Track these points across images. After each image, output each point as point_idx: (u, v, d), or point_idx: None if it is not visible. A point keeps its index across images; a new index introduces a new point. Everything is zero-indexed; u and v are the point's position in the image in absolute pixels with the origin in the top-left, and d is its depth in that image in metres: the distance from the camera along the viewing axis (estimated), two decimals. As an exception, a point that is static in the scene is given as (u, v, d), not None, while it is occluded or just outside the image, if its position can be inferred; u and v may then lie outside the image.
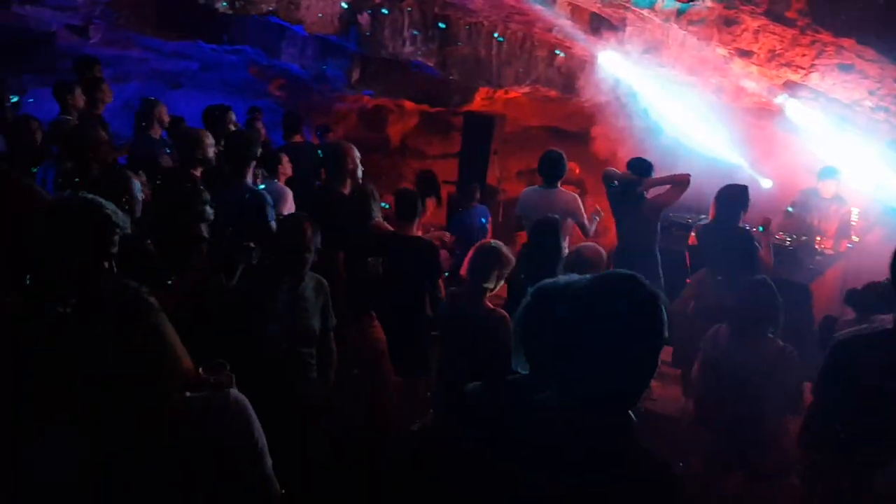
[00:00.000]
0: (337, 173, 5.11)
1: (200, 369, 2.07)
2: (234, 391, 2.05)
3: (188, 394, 1.94)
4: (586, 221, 5.88)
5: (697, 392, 4.14)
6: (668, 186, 5.80)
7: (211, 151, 4.65)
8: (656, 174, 5.88)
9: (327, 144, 4.58)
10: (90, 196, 2.31)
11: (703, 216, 6.98)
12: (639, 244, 5.78)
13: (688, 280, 5.58)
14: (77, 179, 4.53)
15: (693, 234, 5.67)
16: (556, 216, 4.73)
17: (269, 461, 2.09)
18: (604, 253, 4.55)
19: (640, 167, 5.86)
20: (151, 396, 1.86)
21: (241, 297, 3.44)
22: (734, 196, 5.29)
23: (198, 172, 4.56)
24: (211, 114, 5.87)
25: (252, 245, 4.06)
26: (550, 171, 5.84)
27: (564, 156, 5.86)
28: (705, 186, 5.68)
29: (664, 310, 1.58)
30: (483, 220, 7.09)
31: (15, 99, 7.60)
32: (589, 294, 1.59)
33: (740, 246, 5.10)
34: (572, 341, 1.56)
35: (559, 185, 5.89)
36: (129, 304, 1.88)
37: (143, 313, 1.88)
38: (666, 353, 5.98)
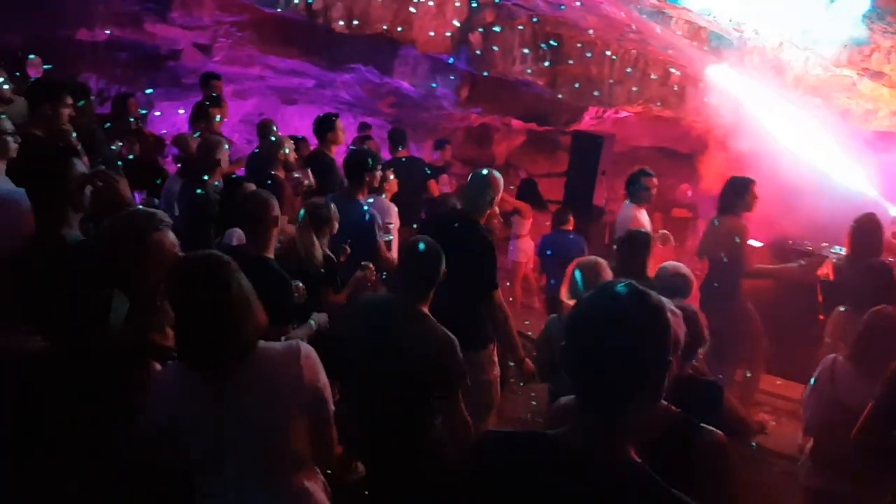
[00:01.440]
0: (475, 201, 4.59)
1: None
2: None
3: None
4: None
5: (811, 428, 3.98)
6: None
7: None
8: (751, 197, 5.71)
9: (474, 172, 4.54)
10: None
11: (827, 245, 6.72)
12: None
13: (821, 316, 5.37)
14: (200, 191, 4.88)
15: (829, 267, 5.46)
16: (647, 231, 4.74)
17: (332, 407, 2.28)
18: (688, 272, 4.42)
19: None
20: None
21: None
22: (872, 228, 5.06)
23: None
24: (322, 121, 6.26)
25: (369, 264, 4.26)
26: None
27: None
28: (826, 211, 5.48)
29: (665, 316, 1.55)
30: (581, 245, 7.08)
31: (143, 112, 8.20)
32: (588, 303, 1.61)
33: (884, 282, 4.79)
34: (578, 351, 1.57)
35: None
36: None
37: None
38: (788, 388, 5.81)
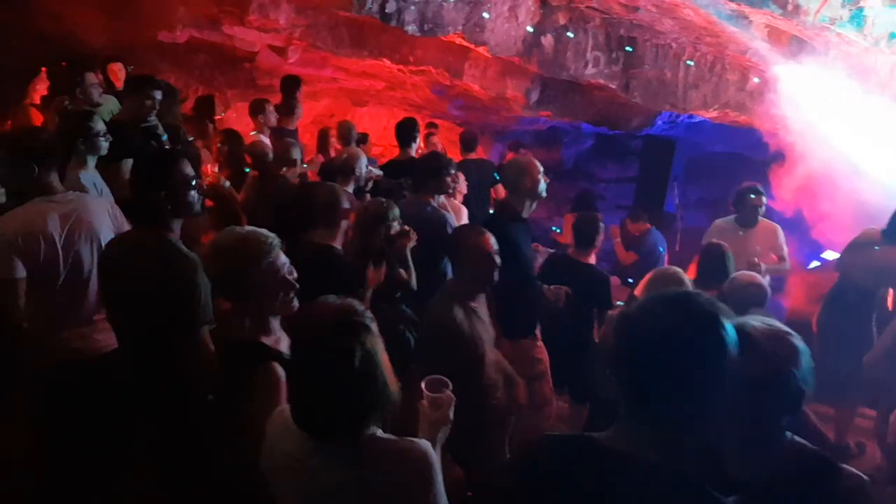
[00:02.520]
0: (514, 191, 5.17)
1: (423, 384, 2.19)
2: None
3: None
4: (785, 254, 5.77)
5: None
6: None
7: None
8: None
9: (507, 162, 4.75)
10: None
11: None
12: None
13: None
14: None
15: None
16: (722, 243, 4.69)
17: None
18: (763, 282, 4.34)
19: None
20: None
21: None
22: None
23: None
24: (403, 125, 6.37)
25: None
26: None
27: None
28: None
29: (728, 327, 1.56)
30: (661, 248, 7.02)
31: (221, 114, 8.50)
32: (639, 307, 1.63)
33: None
34: (635, 363, 1.59)
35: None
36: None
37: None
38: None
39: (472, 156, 7.71)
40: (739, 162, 10.64)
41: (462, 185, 6.48)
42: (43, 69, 6.37)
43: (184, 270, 2.79)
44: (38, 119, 5.95)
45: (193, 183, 2.95)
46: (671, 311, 1.58)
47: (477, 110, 10.58)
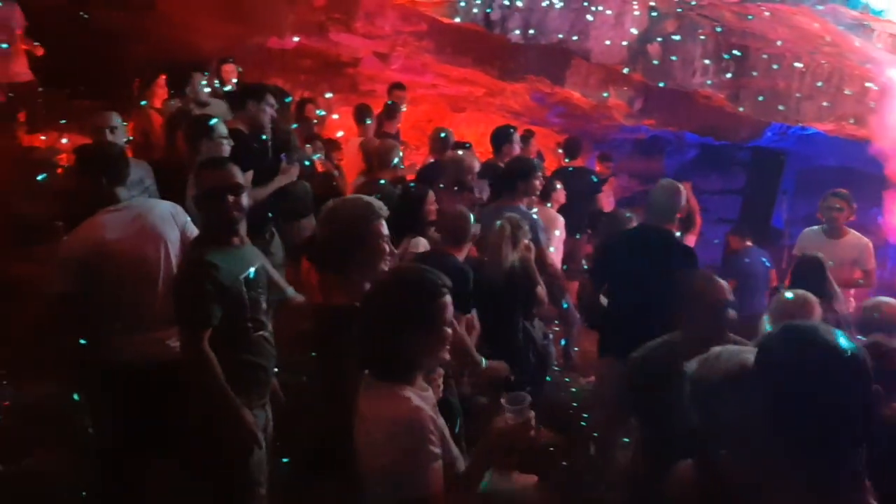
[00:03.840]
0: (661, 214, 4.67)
1: (503, 399, 2.16)
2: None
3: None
4: (871, 269, 5.53)
5: None
6: None
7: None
8: None
9: (660, 184, 4.61)
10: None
11: None
12: None
13: None
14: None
15: None
16: (820, 255, 4.50)
17: None
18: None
19: None
20: None
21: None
22: None
23: None
24: (498, 131, 6.40)
25: None
26: None
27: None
28: None
29: (862, 362, 1.50)
30: (766, 263, 6.81)
31: (322, 113, 8.76)
32: (769, 345, 1.58)
33: None
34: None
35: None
36: None
37: None
38: None
39: (574, 163, 7.65)
40: (853, 177, 10.17)
41: (560, 194, 6.44)
42: (162, 73, 6.74)
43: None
44: (157, 121, 6.30)
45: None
46: (803, 346, 1.53)
47: (577, 118, 10.53)
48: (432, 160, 6.54)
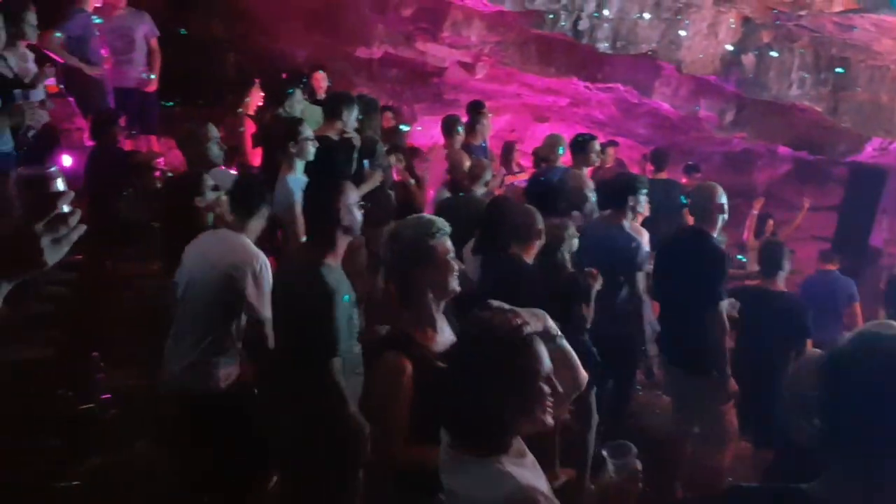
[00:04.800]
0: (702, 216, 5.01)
1: (605, 451, 2.08)
2: None
3: None
4: None
5: None
6: None
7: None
8: None
9: (695, 186, 4.68)
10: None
11: None
12: None
13: None
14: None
15: None
16: None
17: None
18: None
19: None
20: None
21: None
22: None
23: None
24: (578, 140, 6.38)
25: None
26: None
27: None
28: None
29: None
30: (849, 288, 6.53)
31: (406, 128, 8.92)
32: (856, 351, 1.52)
33: None
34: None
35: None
36: None
37: None
38: None
39: (663, 175, 7.54)
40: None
41: (643, 207, 6.36)
42: (256, 80, 6.99)
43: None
44: (250, 127, 6.53)
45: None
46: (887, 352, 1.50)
47: (664, 129, 10.39)
48: (541, 172, 6.56)
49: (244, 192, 3.59)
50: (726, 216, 4.48)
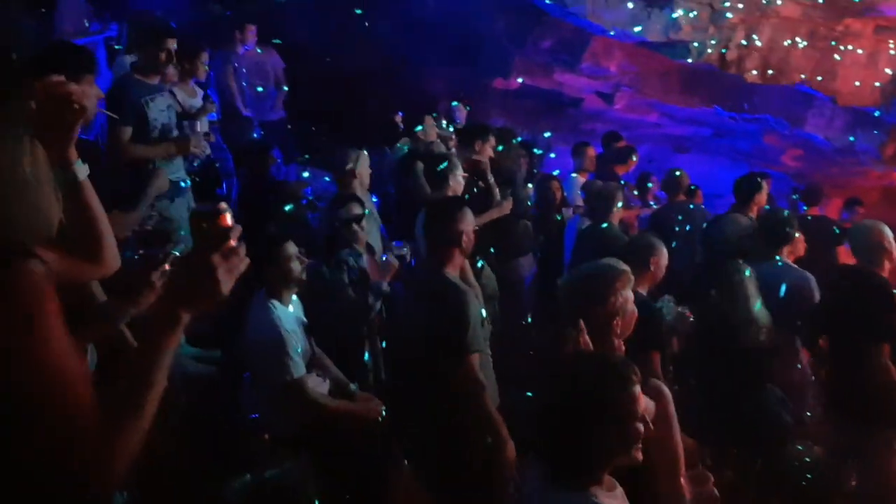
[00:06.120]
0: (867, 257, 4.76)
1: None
2: None
3: None
4: None
5: None
6: None
7: None
8: None
9: (856, 224, 4.45)
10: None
11: None
12: None
13: None
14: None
15: None
16: None
17: None
18: None
19: None
20: None
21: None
22: None
23: None
24: (745, 181, 6.14)
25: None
26: None
27: None
28: None
29: None
30: None
31: (539, 152, 8.98)
32: None
33: None
34: None
35: None
36: None
37: None
38: None
39: (814, 211, 7.24)
40: None
41: (798, 245, 6.13)
42: (398, 112, 7.28)
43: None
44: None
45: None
46: None
47: (816, 162, 9.95)
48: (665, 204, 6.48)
49: None
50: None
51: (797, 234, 5.91)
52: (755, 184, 5.77)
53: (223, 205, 1.44)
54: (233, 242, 1.36)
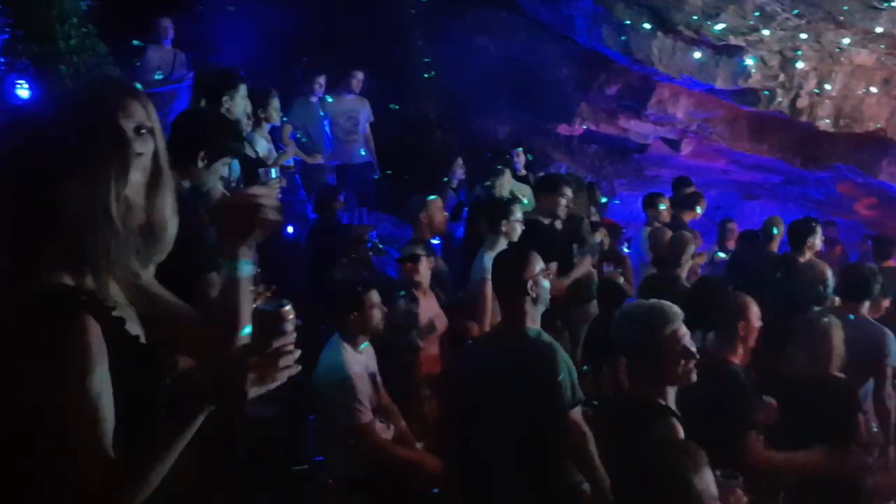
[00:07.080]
0: None
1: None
2: None
3: None
4: None
5: None
6: None
7: None
8: None
9: None
10: None
11: None
12: None
13: None
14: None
15: None
16: None
17: None
18: None
19: None
20: None
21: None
22: None
23: None
24: (798, 225, 6.05)
25: None
26: None
27: None
28: None
29: None
30: None
31: (604, 200, 8.98)
32: None
33: None
34: None
35: None
36: None
37: None
38: None
39: (891, 262, 7.05)
40: None
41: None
42: (459, 157, 7.41)
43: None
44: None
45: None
46: None
47: (891, 210, 9.73)
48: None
49: None
50: None
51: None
52: (808, 227, 5.67)
53: (287, 306, 1.51)
54: (290, 345, 1.46)
